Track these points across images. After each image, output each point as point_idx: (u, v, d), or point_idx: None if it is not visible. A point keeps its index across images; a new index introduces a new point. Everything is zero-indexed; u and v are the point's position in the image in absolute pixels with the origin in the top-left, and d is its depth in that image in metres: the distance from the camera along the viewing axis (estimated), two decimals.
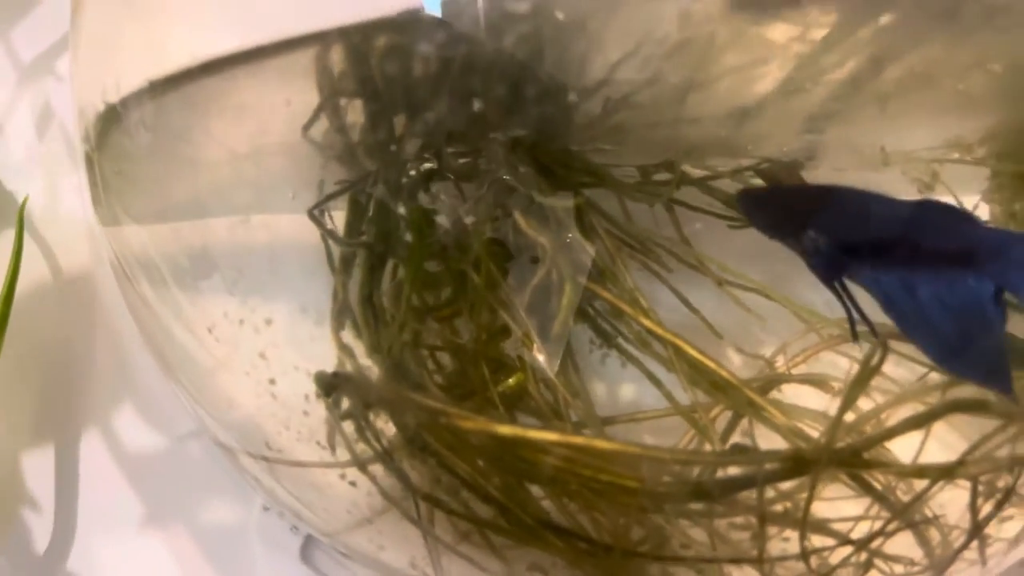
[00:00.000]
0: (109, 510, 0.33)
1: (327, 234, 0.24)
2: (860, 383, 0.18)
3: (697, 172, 0.26)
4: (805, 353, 0.24)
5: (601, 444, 0.20)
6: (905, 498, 0.22)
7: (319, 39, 0.21)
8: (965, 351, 0.19)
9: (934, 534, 0.22)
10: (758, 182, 0.26)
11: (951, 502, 0.22)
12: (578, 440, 0.20)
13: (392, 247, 0.25)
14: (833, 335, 0.24)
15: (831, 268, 0.19)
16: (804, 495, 0.22)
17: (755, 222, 0.20)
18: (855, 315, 0.20)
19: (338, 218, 0.25)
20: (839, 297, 0.19)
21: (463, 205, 0.24)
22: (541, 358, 0.23)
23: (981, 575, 0.25)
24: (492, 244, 0.25)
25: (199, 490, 0.34)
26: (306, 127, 0.23)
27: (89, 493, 0.33)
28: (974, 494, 0.20)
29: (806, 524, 0.19)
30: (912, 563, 0.22)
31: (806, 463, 0.19)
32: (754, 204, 0.20)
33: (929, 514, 0.22)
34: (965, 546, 0.21)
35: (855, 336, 0.20)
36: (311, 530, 0.31)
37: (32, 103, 0.35)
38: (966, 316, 0.18)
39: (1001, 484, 0.22)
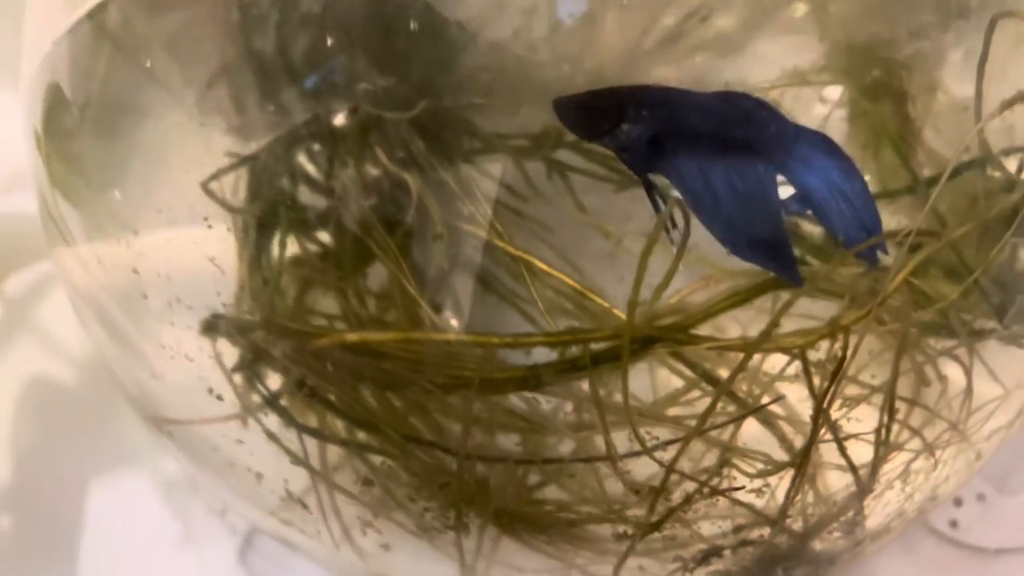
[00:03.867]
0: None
1: (219, 203, 0.26)
2: (646, 252, 0.19)
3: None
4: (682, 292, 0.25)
5: (438, 335, 0.21)
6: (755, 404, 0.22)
7: None
8: (752, 235, 0.19)
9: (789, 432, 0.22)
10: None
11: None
12: (417, 334, 0.21)
13: (278, 215, 0.27)
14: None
15: (642, 159, 0.20)
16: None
17: (573, 127, 0.22)
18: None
19: None
20: (647, 190, 0.20)
21: (360, 188, 0.26)
22: (454, 322, 0.24)
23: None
24: (387, 222, 0.26)
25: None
26: (198, 101, 0.25)
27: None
28: (805, 365, 0.20)
29: (628, 401, 0.19)
30: (769, 460, 0.21)
31: (617, 337, 0.19)
32: (571, 109, 0.22)
33: (775, 410, 0.22)
34: (814, 436, 0.20)
35: (668, 229, 0.21)
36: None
37: None
38: (752, 202, 0.19)
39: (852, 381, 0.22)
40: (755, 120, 0.20)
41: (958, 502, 0.29)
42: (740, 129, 0.20)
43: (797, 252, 0.21)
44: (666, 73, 0.25)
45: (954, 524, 0.29)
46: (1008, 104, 0.21)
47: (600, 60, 0.26)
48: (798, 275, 0.19)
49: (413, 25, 0.24)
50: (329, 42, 0.25)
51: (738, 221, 0.19)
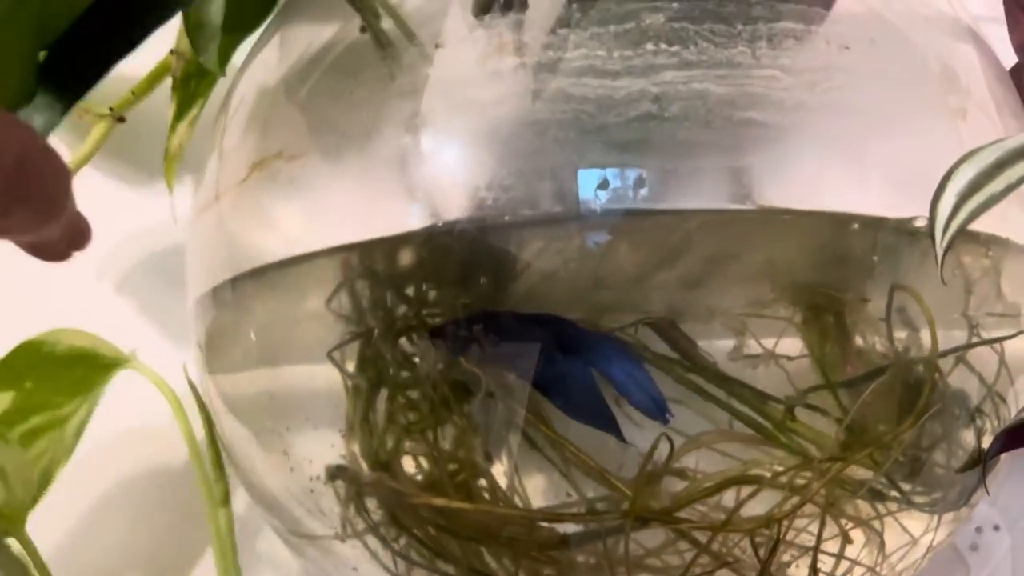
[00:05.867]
0: None
1: (340, 369, 0.36)
2: (644, 465, 0.28)
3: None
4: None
5: (493, 509, 0.30)
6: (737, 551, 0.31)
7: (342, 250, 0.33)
8: (586, 411, 0.29)
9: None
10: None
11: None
12: (482, 506, 0.30)
13: (384, 381, 0.36)
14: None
15: (498, 364, 0.30)
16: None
17: (445, 348, 0.31)
18: None
19: None
20: None
21: (437, 357, 0.35)
22: (500, 467, 0.33)
23: None
24: (456, 383, 0.35)
25: None
26: (328, 301, 0.35)
27: None
28: (753, 545, 0.28)
29: (628, 562, 0.28)
30: None
31: (624, 516, 0.28)
32: (441, 334, 0.31)
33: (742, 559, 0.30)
34: None
35: None
36: None
37: None
38: (580, 389, 0.29)
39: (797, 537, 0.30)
40: (568, 332, 0.29)
41: None
42: (561, 339, 0.29)
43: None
44: (661, 297, 0.34)
45: None
46: (906, 362, 0.29)
47: (617, 275, 0.35)
48: (620, 433, 0.29)
49: (489, 263, 0.33)
50: (425, 276, 0.34)
51: (574, 400, 0.29)
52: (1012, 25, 0.36)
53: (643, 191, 0.31)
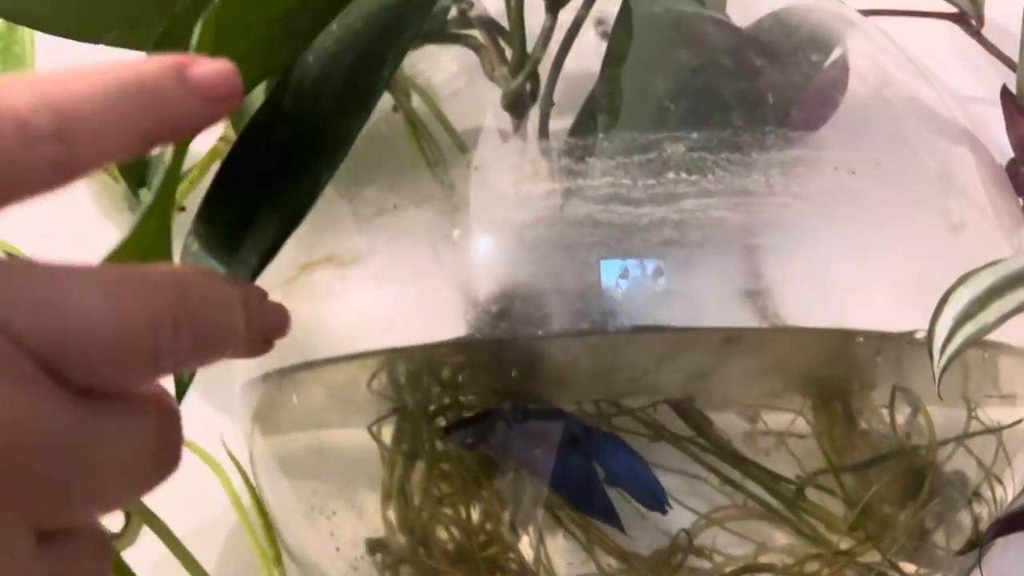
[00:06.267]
0: None
1: (378, 442, 0.38)
2: (670, 550, 0.30)
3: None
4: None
5: None
6: None
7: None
8: (588, 503, 0.31)
9: None
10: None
11: None
12: None
13: (419, 454, 0.38)
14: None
15: (513, 456, 0.33)
16: None
17: (459, 442, 0.33)
18: None
19: None
20: None
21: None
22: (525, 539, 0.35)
23: None
24: (486, 458, 0.38)
25: None
26: (368, 382, 0.37)
27: None
28: None
29: None
30: None
31: None
32: (458, 429, 0.33)
33: None
34: None
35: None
36: None
37: None
38: (581, 482, 0.31)
39: None
40: (575, 430, 0.32)
41: None
42: (568, 435, 0.32)
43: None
44: (678, 387, 0.36)
45: None
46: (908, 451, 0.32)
47: (635, 367, 0.37)
48: (620, 523, 0.31)
49: (519, 366, 0.35)
50: (460, 372, 0.36)
51: (577, 493, 0.31)
52: (1010, 125, 0.38)
53: (661, 280, 0.34)
